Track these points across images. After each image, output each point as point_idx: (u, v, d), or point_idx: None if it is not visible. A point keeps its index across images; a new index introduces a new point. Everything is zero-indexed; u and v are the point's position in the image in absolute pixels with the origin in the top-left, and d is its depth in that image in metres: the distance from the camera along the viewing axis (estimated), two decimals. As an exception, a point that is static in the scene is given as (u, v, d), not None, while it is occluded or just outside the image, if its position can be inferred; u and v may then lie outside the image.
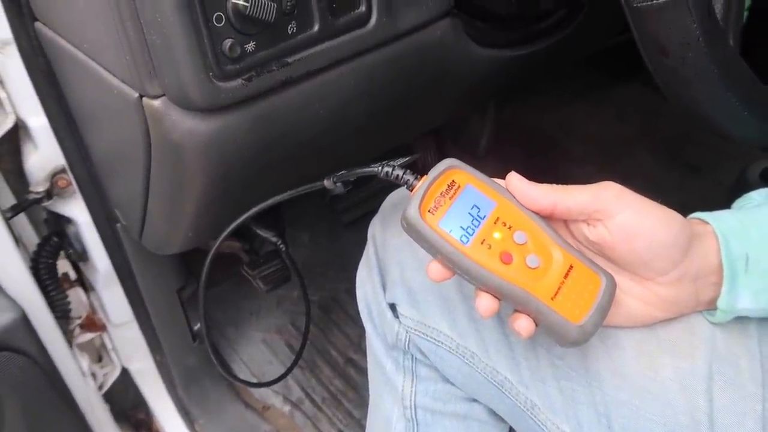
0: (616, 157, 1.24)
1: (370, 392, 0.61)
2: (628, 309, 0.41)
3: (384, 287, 0.54)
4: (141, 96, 0.45)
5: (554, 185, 0.41)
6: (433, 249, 0.39)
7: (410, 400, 0.54)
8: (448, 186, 0.40)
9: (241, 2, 0.41)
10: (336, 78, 0.51)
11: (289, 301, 1.14)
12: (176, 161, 0.48)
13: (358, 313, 0.59)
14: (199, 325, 0.88)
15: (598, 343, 0.44)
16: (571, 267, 0.39)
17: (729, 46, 0.38)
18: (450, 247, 0.38)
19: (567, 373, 0.45)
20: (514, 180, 0.41)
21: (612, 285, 0.39)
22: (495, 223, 0.40)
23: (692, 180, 1.15)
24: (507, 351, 0.48)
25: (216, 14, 0.41)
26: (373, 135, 0.68)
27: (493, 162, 1.23)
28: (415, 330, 0.52)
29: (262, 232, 0.78)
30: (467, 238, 0.39)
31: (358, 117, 0.57)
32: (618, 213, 0.38)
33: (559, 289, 0.39)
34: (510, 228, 0.40)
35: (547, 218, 0.41)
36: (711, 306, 0.41)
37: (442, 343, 0.51)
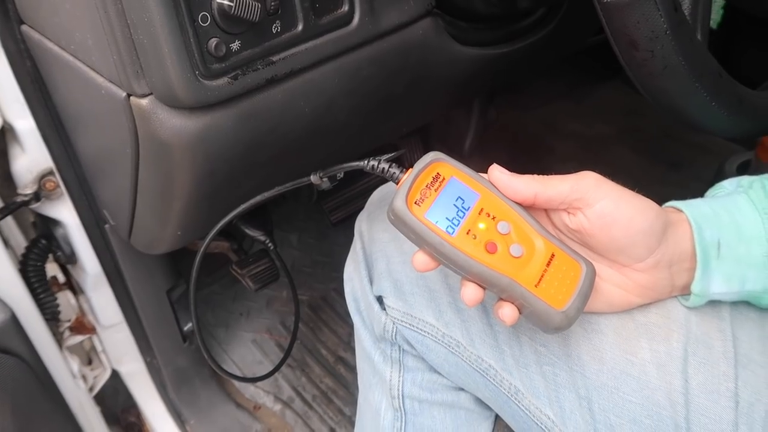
0: (598, 154, 1.26)
1: (359, 384, 0.62)
2: (607, 296, 0.43)
3: (371, 280, 0.55)
4: (128, 95, 0.46)
5: (535, 176, 0.42)
6: (419, 239, 0.40)
7: (398, 390, 0.55)
8: (433, 178, 0.41)
9: (226, 2, 0.42)
10: (320, 76, 0.52)
11: (279, 301, 1.15)
12: (164, 159, 0.48)
13: (347, 312, 0.60)
14: (189, 325, 0.88)
15: (579, 329, 0.45)
16: (552, 255, 0.40)
17: (696, 40, 0.39)
18: (437, 238, 0.40)
19: (549, 358, 0.46)
20: (496, 172, 0.42)
21: (592, 272, 0.41)
22: (479, 213, 0.41)
23: (673, 175, 1.17)
24: (491, 339, 0.49)
25: (201, 14, 0.42)
26: (359, 133, 0.69)
27: (478, 160, 1.24)
28: (402, 321, 0.53)
29: (250, 232, 0.79)
30: (453, 228, 0.40)
31: (342, 115, 0.58)
32: (596, 201, 0.40)
33: (542, 276, 0.40)
34: (494, 219, 0.41)
35: (529, 208, 0.42)
36: (685, 291, 0.43)
37: (428, 333, 0.52)
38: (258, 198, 0.51)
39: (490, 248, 0.40)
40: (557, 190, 0.41)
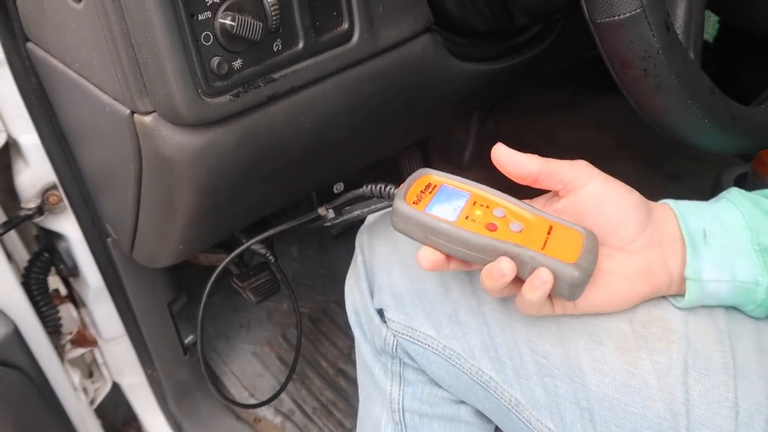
0: (597, 164, 1.27)
1: (360, 397, 0.62)
2: (608, 287, 0.43)
3: (372, 294, 0.56)
4: (132, 112, 0.46)
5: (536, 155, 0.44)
6: (424, 230, 0.42)
7: (398, 404, 0.56)
8: (426, 186, 0.45)
9: (229, 22, 0.43)
10: (320, 93, 0.53)
11: (279, 313, 1.15)
12: (167, 175, 0.49)
13: (348, 324, 0.60)
14: (190, 337, 0.89)
15: (580, 341, 0.46)
16: (551, 227, 0.42)
17: (689, 59, 0.40)
18: (441, 223, 0.41)
19: (550, 370, 0.46)
20: (502, 148, 0.44)
21: (592, 234, 0.42)
22: (474, 205, 0.44)
23: (671, 187, 1.18)
24: (491, 351, 0.49)
25: (204, 33, 0.43)
26: (359, 147, 0.69)
27: (477, 172, 1.25)
28: (403, 334, 0.53)
29: (252, 246, 0.80)
30: (453, 216, 0.42)
31: (342, 130, 0.59)
32: (589, 182, 0.43)
33: (545, 242, 0.41)
34: (488, 207, 0.43)
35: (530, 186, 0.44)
36: (680, 280, 0.43)
37: (428, 345, 0.52)
38: (269, 232, 0.52)
39: (491, 227, 0.42)
40: (558, 165, 0.43)
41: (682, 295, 0.44)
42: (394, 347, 0.54)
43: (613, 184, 0.43)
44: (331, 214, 0.56)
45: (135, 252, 0.67)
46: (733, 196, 0.44)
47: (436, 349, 0.52)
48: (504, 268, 0.40)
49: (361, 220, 0.65)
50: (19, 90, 0.63)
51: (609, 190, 0.42)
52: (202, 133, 0.46)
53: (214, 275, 0.60)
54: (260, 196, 0.60)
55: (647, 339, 0.44)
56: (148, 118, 0.46)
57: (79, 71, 0.51)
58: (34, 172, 0.71)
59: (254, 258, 0.96)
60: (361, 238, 0.59)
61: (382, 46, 0.56)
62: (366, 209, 0.71)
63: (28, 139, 0.67)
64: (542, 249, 0.40)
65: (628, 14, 0.35)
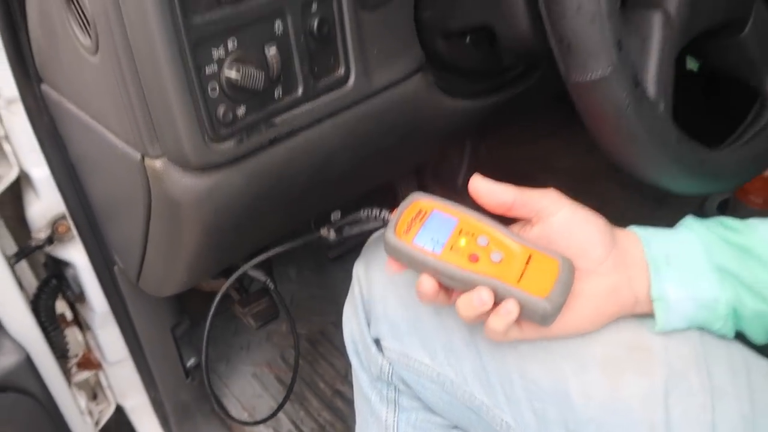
0: (587, 190, 1.29)
1: (357, 424, 0.65)
2: (578, 308, 0.46)
3: (368, 323, 0.59)
4: (143, 156, 0.50)
5: (510, 185, 0.47)
6: (412, 261, 0.45)
7: (394, 430, 0.58)
8: (417, 213, 0.48)
9: (234, 74, 0.46)
10: (319, 134, 0.56)
11: (278, 335, 1.18)
12: (175, 215, 0.52)
13: (345, 346, 0.63)
14: (191, 360, 0.91)
15: (566, 367, 0.49)
16: (530, 256, 0.45)
17: (658, 111, 0.43)
18: (425, 257, 0.45)
19: (539, 395, 0.49)
20: (478, 181, 0.47)
21: (569, 264, 0.45)
22: (459, 233, 0.46)
23: (658, 211, 1.21)
24: (483, 377, 0.52)
25: (211, 85, 0.46)
26: (357, 179, 0.73)
27: (470, 197, 1.29)
28: (399, 361, 0.56)
29: (252, 272, 0.83)
30: (439, 248, 0.45)
31: (340, 166, 0.62)
32: (559, 210, 0.46)
33: (522, 273, 0.44)
34: (473, 235, 0.46)
35: (504, 215, 0.47)
36: (646, 300, 0.46)
37: (423, 372, 0.55)
38: (270, 252, 0.55)
39: (473, 258, 0.45)
40: (531, 195, 0.46)
41: (651, 316, 0.47)
42: (390, 375, 0.57)
43: (580, 212, 0.46)
44: (332, 234, 0.59)
45: (141, 281, 0.70)
46: (690, 223, 0.48)
47: (431, 376, 0.55)
48: (484, 299, 0.43)
49: (358, 243, 0.68)
50: (32, 127, 0.66)
51: (577, 217, 0.46)
52: (208, 175, 0.50)
53: (214, 304, 0.63)
54: (263, 229, 0.63)
55: (631, 363, 0.47)
56: (158, 162, 0.49)
57: (92, 115, 0.55)
58: (45, 204, 0.74)
59: (253, 282, 0.99)
60: (358, 269, 0.62)
61: (376, 88, 0.59)
62: (366, 227, 0.74)
63: (40, 172, 0.71)
64: (518, 281, 0.43)
65: (599, 74, 0.39)
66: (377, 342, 0.58)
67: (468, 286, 0.44)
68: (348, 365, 1.10)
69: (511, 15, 0.55)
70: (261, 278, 0.83)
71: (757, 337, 0.48)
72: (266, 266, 0.87)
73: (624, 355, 0.48)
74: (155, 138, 0.48)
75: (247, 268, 0.59)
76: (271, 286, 0.83)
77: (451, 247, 0.45)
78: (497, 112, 0.78)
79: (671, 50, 0.47)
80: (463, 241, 0.46)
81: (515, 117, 1.01)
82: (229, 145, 0.48)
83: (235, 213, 0.54)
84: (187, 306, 0.92)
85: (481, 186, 0.47)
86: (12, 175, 0.72)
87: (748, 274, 0.45)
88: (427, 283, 0.45)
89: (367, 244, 0.65)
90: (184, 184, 0.49)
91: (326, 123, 0.56)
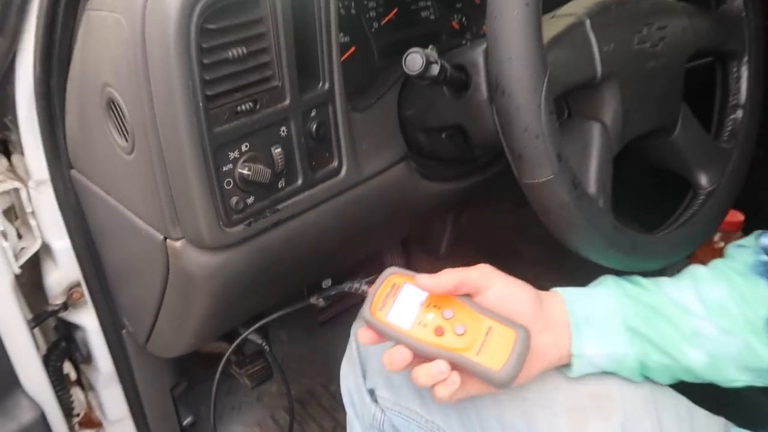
0: (562, 258, 1.39)
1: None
2: None
3: (364, 376, 0.66)
4: (165, 238, 0.58)
5: (452, 269, 0.55)
6: (386, 335, 0.52)
7: None
8: (391, 288, 0.55)
9: (246, 172, 0.55)
10: (315, 216, 0.65)
11: (269, 395, 1.23)
12: (188, 286, 0.60)
13: (333, 407, 0.70)
14: (188, 419, 0.97)
15: (540, 413, 0.57)
16: (490, 328, 0.52)
17: (595, 205, 0.53)
18: (397, 333, 0.52)
19: None
20: (422, 278, 0.54)
21: (526, 334, 0.51)
22: (428, 306, 0.53)
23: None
24: (467, 422, 0.60)
25: (227, 180, 0.55)
26: (348, 253, 0.82)
27: (453, 263, 1.37)
28: (392, 409, 0.64)
29: (251, 336, 0.90)
30: (409, 323, 0.52)
31: (333, 243, 0.71)
32: (493, 284, 0.54)
33: (482, 345, 0.51)
34: (440, 308, 0.53)
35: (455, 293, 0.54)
36: (568, 356, 0.54)
37: (413, 419, 0.63)
38: (267, 318, 0.63)
39: (439, 332, 0.52)
40: (470, 276, 0.54)
41: (569, 365, 0.55)
42: (382, 423, 0.64)
43: (511, 284, 0.54)
44: (321, 302, 0.68)
45: (149, 344, 0.77)
46: (609, 283, 0.57)
47: (420, 423, 0.62)
48: (443, 370, 0.50)
49: (345, 308, 0.77)
50: (59, 206, 0.74)
51: (508, 290, 0.54)
52: (219, 254, 0.58)
53: (220, 367, 0.70)
54: (263, 297, 0.71)
55: (593, 410, 0.56)
56: (178, 243, 0.57)
57: (119, 200, 0.63)
58: (63, 272, 0.81)
59: (247, 344, 1.06)
60: (356, 328, 0.70)
61: (365, 176, 0.69)
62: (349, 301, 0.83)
63: (61, 244, 0.78)
64: (477, 354, 0.50)
65: (544, 179, 0.48)
66: (372, 392, 0.65)
67: (434, 358, 0.51)
68: (335, 425, 1.15)
69: (478, 118, 0.65)
70: (258, 341, 0.89)
71: (663, 381, 0.57)
72: (262, 330, 0.94)
73: (587, 402, 0.56)
74: (177, 223, 0.56)
75: (248, 333, 0.67)
76: (267, 348, 0.90)
77: (420, 322, 0.52)
78: (471, 192, 0.88)
79: (608, 154, 0.57)
80: (430, 316, 0.53)
81: (489, 195, 1.11)
82: (239, 229, 0.57)
83: (241, 285, 0.62)
84: (186, 367, 0.98)
85: (426, 282, 0.53)
86: (35, 248, 0.79)
87: (655, 332, 0.54)
88: (398, 354, 0.52)
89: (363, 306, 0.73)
90: (199, 261, 0.58)
91: (321, 207, 0.65)
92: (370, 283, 0.58)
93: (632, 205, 0.76)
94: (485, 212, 1.52)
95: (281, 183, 0.60)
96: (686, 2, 0.67)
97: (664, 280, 0.57)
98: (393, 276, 0.56)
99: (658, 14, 0.62)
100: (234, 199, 0.56)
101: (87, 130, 0.63)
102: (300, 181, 0.62)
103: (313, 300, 0.62)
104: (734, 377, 0.56)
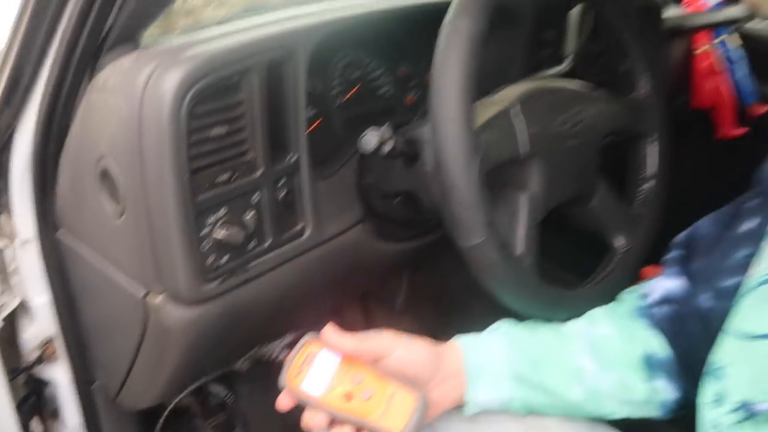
0: (507, 310, 1.49)
1: None
2: None
3: None
4: (147, 292, 0.65)
5: (355, 334, 0.59)
6: (302, 401, 0.57)
7: None
8: (307, 355, 0.58)
9: (222, 234, 0.63)
10: (281, 274, 0.72)
11: (231, 449, 1.26)
12: (164, 339, 0.66)
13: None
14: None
15: None
16: (392, 394, 0.57)
17: (526, 265, 0.62)
18: (311, 400, 0.56)
19: None
20: (327, 334, 0.59)
21: (423, 398, 0.57)
22: (340, 373, 0.57)
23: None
24: None
25: (205, 242, 0.63)
26: (310, 306, 0.89)
27: (409, 316, 1.45)
28: None
29: (214, 388, 0.95)
30: (321, 390, 0.57)
31: (296, 298, 0.78)
32: (395, 349, 0.59)
33: (386, 409, 0.56)
34: (350, 373, 0.58)
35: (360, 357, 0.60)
36: (462, 401, 0.61)
37: None
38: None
39: (348, 397, 0.57)
40: (368, 343, 0.59)
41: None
42: None
43: (411, 346, 0.59)
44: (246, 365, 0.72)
45: (120, 397, 0.81)
46: (502, 330, 0.64)
47: None
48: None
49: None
50: (44, 264, 0.80)
51: (409, 352, 0.59)
52: (195, 308, 0.65)
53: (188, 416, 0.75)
54: (231, 349, 0.77)
55: None
56: (158, 298, 0.64)
57: (106, 258, 0.70)
58: (39, 328, 0.85)
59: (211, 395, 1.10)
60: None
61: (326, 237, 0.77)
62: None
63: (40, 300, 0.82)
64: (381, 418, 0.55)
65: (475, 242, 0.57)
66: None
67: (344, 422, 0.57)
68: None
69: (426, 186, 0.74)
70: (222, 393, 0.94)
71: (550, 415, 0.64)
72: (227, 381, 0.99)
73: None
74: (159, 279, 0.63)
75: (202, 381, 0.72)
76: (231, 399, 0.95)
77: (332, 389, 0.56)
78: (424, 251, 0.97)
79: (534, 220, 0.67)
80: (341, 382, 0.57)
81: (441, 253, 1.21)
82: (214, 285, 0.64)
83: (213, 337, 0.69)
84: (152, 421, 1.01)
85: (329, 338, 0.58)
86: (14, 304, 0.83)
87: (540, 376, 0.62)
88: (314, 420, 0.56)
89: None
90: (176, 315, 0.64)
91: (286, 265, 0.73)
92: (292, 347, 0.64)
93: (557, 265, 0.87)
94: (438, 269, 1.61)
95: (252, 244, 0.68)
96: (601, 90, 0.80)
97: (537, 327, 0.65)
98: (309, 344, 0.59)
99: (577, 101, 0.74)
100: (210, 258, 0.64)
101: (79, 194, 0.69)
102: (268, 242, 0.69)
103: (237, 365, 0.69)
104: (614, 410, 0.64)
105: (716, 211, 0.68)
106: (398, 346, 0.60)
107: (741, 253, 0.59)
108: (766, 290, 0.52)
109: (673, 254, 0.69)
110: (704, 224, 0.69)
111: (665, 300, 0.66)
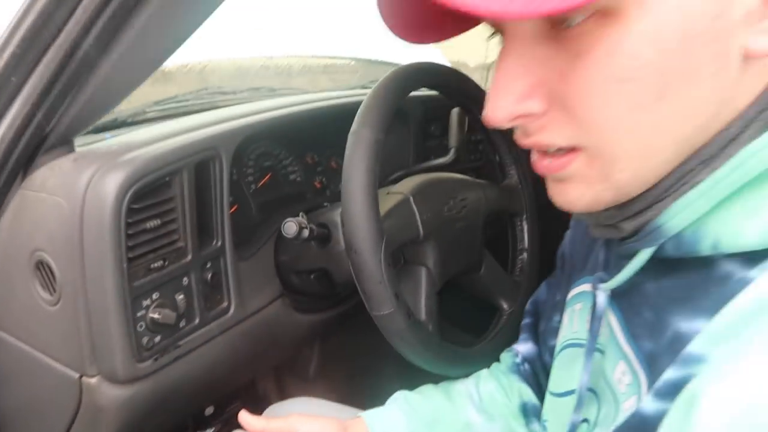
0: (417, 371, 1.59)
1: None
2: None
3: None
4: (81, 376, 0.68)
5: (269, 417, 0.65)
6: None
7: None
8: None
9: (156, 316, 0.69)
10: (208, 349, 0.79)
11: None
12: (98, 418, 0.70)
13: None
14: None
15: None
16: None
17: (424, 329, 0.74)
18: None
19: None
20: (240, 417, 0.65)
21: None
22: None
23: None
24: None
25: (140, 324, 0.68)
26: (234, 378, 0.94)
27: (321, 383, 1.51)
28: None
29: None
30: None
31: (222, 369, 0.84)
32: (302, 428, 0.64)
33: None
34: None
35: None
36: None
37: None
38: None
39: None
40: (276, 423, 0.65)
41: None
42: None
43: (318, 427, 0.64)
44: None
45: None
46: (400, 401, 0.72)
47: None
48: None
49: None
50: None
51: (316, 429, 0.64)
52: (129, 386, 0.69)
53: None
54: (162, 421, 0.81)
55: None
56: (93, 380, 0.68)
57: (34, 346, 0.73)
58: (-51, 420, 0.84)
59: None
60: None
61: (249, 313, 0.85)
62: None
63: (-47, 391, 0.83)
64: None
65: (384, 312, 0.68)
66: None
67: None
68: None
69: (338, 264, 0.85)
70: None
71: None
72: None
73: None
74: (94, 362, 0.68)
75: None
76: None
77: None
78: (336, 320, 1.06)
79: (433, 290, 0.79)
80: None
81: (351, 322, 1.30)
82: (148, 364, 0.70)
83: (146, 413, 0.73)
84: None
85: (242, 420, 0.64)
86: (-77, 396, 0.83)
87: None
88: None
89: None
90: (110, 394, 0.68)
91: (213, 341, 0.79)
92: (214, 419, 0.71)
93: (455, 325, 1.00)
94: (348, 337, 1.69)
95: (183, 323, 0.74)
96: (481, 178, 0.95)
97: (452, 383, 0.75)
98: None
99: (461, 189, 0.88)
100: (145, 339, 0.69)
101: (7, 286, 0.73)
102: (197, 320, 0.76)
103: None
104: None
105: (547, 278, 0.79)
106: (305, 425, 0.65)
107: (556, 319, 0.66)
108: (565, 355, 0.58)
109: (525, 321, 0.80)
110: (541, 290, 0.79)
111: (525, 360, 0.77)
